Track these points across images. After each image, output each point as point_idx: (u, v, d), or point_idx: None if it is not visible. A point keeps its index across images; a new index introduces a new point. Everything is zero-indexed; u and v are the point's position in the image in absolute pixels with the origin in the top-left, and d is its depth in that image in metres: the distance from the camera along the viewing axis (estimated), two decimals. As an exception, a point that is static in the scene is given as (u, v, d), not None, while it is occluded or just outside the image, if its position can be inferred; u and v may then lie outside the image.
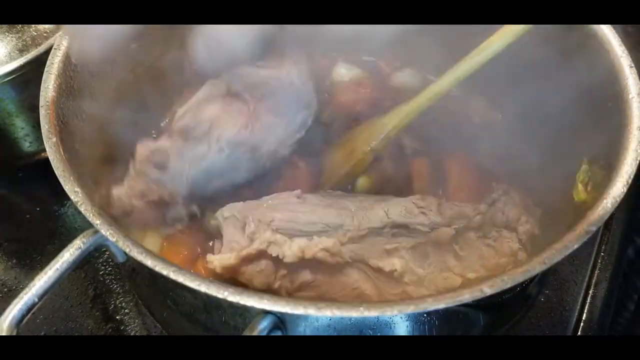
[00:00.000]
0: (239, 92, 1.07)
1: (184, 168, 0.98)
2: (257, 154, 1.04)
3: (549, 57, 1.04)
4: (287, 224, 0.91)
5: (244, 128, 1.02)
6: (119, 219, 0.94)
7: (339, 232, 0.90)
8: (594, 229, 0.74)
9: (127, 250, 0.73)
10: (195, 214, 1.00)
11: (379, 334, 0.77)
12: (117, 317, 1.08)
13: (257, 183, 1.06)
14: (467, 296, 0.67)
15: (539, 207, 1.00)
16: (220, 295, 0.67)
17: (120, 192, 0.96)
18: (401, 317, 0.77)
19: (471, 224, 0.94)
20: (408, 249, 0.90)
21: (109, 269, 1.14)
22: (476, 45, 0.96)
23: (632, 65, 0.90)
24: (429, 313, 0.77)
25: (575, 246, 0.72)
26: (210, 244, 1.00)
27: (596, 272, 1.13)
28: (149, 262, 0.71)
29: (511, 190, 1.00)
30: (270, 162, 1.06)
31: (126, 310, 1.09)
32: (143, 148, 0.99)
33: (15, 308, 0.72)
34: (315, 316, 0.72)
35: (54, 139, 0.84)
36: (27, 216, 1.23)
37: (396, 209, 0.93)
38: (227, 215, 0.93)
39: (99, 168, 0.96)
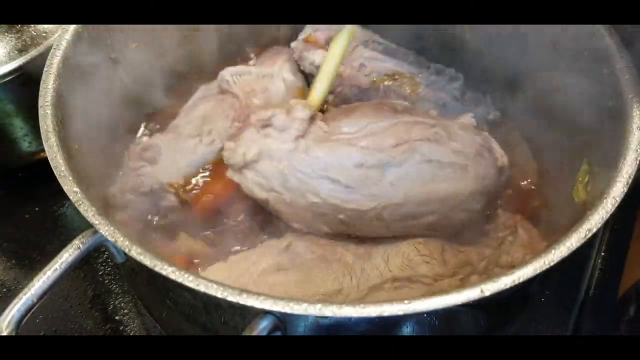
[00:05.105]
0: (231, 89, 1.07)
1: (174, 159, 0.99)
2: None
3: (549, 58, 1.04)
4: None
5: (237, 121, 1.03)
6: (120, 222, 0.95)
7: (339, 299, 0.85)
8: (594, 229, 0.74)
9: (126, 251, 0.73)
10: (187, 201, 1.00)
11: (379, 334, 0.77)
12: (117, 318, 1.08)
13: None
14: (467, 296, 0.67)
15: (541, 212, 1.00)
16: (219, 296, 0.67)
17: (114, 189, 0.97)
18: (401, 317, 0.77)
19: (475, 270, 0.89)
20: None
21: (108, 269, 1.14)
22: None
23: (632, 65, 0.90)
24: (429, 313, 0.77)
25: (576, 246, 0.72)
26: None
27: (596, 272, 1.12)
28: (148, 262, 0.71)
29: (519, 224, 0.95)
30: None
31: (125, 311, 1.09)
32: (135, 146, 1.01)
33: (15, 308, 0.72)
34: (315, 316, 0.72)
35: (53, 139, 0.84)
36: (27, 216, 1.23)
37: (397, 258, 0.87)
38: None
39: (98, 168, 0.95)
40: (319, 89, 0.97)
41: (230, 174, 0.93)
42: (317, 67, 1.11)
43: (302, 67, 1.15)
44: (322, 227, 0.91)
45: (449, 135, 0.89)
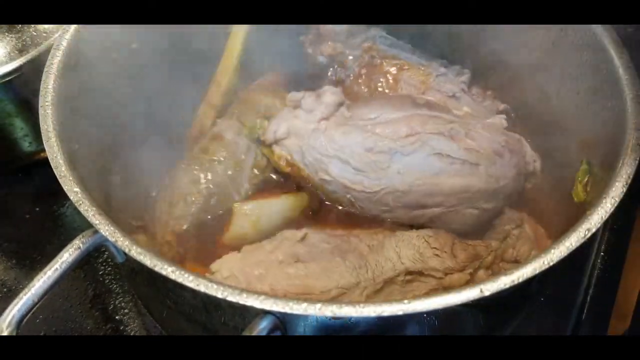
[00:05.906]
0: None
1: None
2: None
3: (549, 58, 1.04)
4: (303, 296, 0.84)
5: None
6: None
7: (356, 293, 0.85)
8: (593, 229, 0.74)
9: (127, 250, 0.73)
10: None
11: (378, 334, 0.77)
12: (117, 317, 1.08)
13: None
14: (467, 296, 0.67)
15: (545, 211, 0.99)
16: (219, 295, 0.67)
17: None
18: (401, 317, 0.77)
19: (483, 264, 0.89)
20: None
21: (109, 269, 1.14)
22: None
23: (632, 65, 0.90)
24: (429, 313, 0.77)
25: (575, 246, 0.72)
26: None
27: (596, 272, 1.12)
28: (148, 262, 0.71)
29: (525, 220, 0.95)
30: None
31: (125, 310, 1.09)
32: None
33: (15, 308, 0.72)
34: (315, 316, 0.72)
35: (53, 139, 0.84)
36: (27, 216, 1.23)
37: (408, 250, 0.87)
38: (226, 275, 0.87)
39: (99, 169, 0.95)
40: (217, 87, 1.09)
41: (262, 149, 1.02)
42: (328, 58, 1.14)
43: (314, 60, 1.16)
44: (335, 203, 0.97)
45: (467, 133, 0.92)
